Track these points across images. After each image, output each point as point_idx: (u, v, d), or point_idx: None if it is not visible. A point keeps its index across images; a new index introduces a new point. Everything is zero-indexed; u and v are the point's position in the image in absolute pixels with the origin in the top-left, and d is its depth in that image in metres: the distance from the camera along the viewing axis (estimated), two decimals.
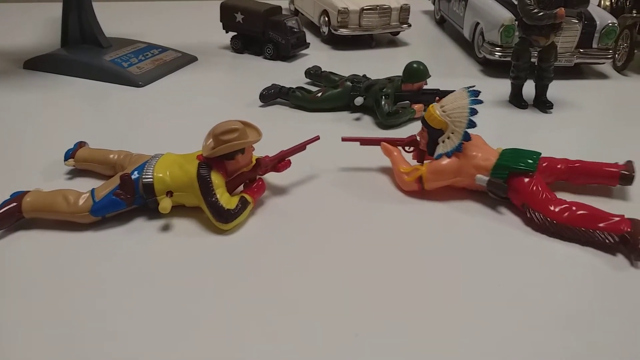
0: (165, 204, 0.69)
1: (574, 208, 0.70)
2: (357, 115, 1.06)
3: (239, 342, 0.54)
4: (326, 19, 1.52)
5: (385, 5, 1.48)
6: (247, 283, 0.62)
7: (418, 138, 0.83)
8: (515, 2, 1.27)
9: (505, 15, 1.24)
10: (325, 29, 1.54)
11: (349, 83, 1.06)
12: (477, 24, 1.36)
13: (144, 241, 0.69)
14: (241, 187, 0.76)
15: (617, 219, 0.68)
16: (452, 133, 0.76)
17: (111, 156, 0.80)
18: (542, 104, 1.10)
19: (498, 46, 1.26)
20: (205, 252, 0.67)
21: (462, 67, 1.38)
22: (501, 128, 1.05)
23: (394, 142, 0.84)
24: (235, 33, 1.46)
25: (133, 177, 0.70)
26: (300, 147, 0.80)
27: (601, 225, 0.68)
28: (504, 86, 1.19)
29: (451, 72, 1.33)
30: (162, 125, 1.02)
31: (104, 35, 1.35)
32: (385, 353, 0.53)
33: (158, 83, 1.24)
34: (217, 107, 1.11)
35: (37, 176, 0.82)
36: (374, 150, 0.85)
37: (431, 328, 0.56)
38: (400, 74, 1.06)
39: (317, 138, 0.82)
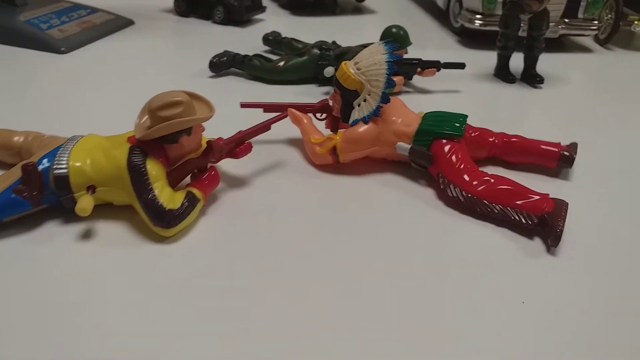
0: (84, 203, 0.51)
1: (492, 181, 0.60)
2: (326, 88, 0.91)
3: None
4: None
5: None
6: (200, 306, 0.46)
7: (331, 103, 0.71)
8: None
9: None
10: None
11: (316, 50, 0.91)
12: None
13: (58, 254, 0.51)
14: (188, 179, 0.59)
15: (539, 197, 0.58)
16: (369, 95, 0.65)
17: (15, 138, 0.62)
18: (532, 77, 0.98)
19: (479, 14, 1.13)
20: (140, 267, 0.50)
21: (436, 37, 1.25)
22: (486, 104, 0.93)
23: (304, 109, 0.72)
24: None
25: (41, 167, 0.53)
26: (264, 127, 0.65)
27: (519, 202, 0.58)
28: (485, 58, 1.07)
29: (425, 43, 1.19)
30: (87, 101, 0.83)
31: None
32: None
33: (85, 49, 1.05)
34: (157, 78, 0.93)
35: None
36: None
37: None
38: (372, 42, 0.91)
39: (284, 115, 0.67)
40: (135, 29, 1.17)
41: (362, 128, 0.65)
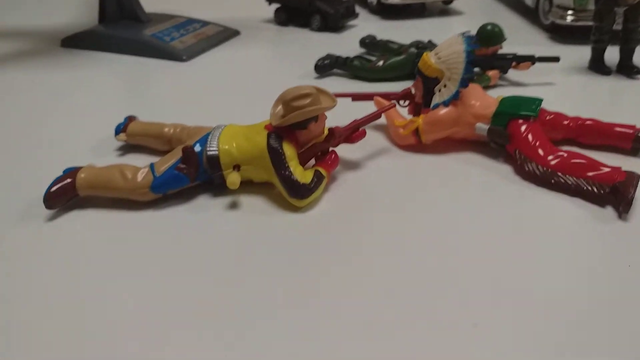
0: (233, 178, 0.61)
1: (565, 155, 0.65)
2: None
3: (324, 332, 0.47)
4: None
5: None
6: (329, 265, 0.54)
7: (413, 90, 0.78)
8: None
9: None
10: None
11: (413, 49, 0.97)
12: None
13: (210, 221, 0.61)
14: (312, 161, 0.68)
15: (610, 169, 0.62)
16: (449, 80, 0.71)
17: (166, 129, 0.73)
18: (629, 69, 0.99)
19: (570, 9, 1.15)
20: (278, 231, 0.60)
21: (526, 34, 1.27)
22: (581, 97, 0.95)
23: (388, 96, 0.80)
24: (279, 5, 1.38)
25: (196, 149, 0.63)
26: (375, 116, 0.72)
27: (591, 174, 0.62)
28: (578, 53, 1.08)
29: (515, 40, 1.21)
30: (213, 100, 0.95)
31: (143, 10, 1.29)
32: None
33: (202, 58, 1.17)
34: (269, 80, 1.03)
35: (88, 153, 0.76)
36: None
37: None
38: None
39: (392, 105, 0.75)
40: (241, 39, 1.30)
41: (443, 111, 0.71)
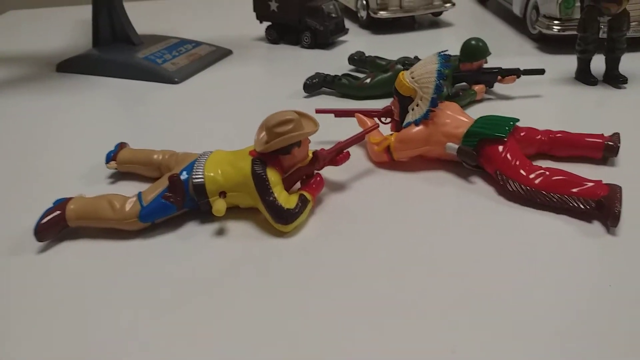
0: (218, 205, 0.62)
1: (547, 173, 0.65)
2: None
3: (308, 356, 0.48)
4: (364, 2, 1.44)
5: None
6: (315, 290, 0.55)
7: (393, 108, 0.79)
8: None
9: None
10: (363, 13, 1.46)
11: (400, 66, 0.99)
12: None
13: (198, 248, 0.63)
14: (298, 185, 0.69)
15: (593, 183, 0.63)
16: (421, 100, 0.72)
17: (155, 156, 0.74)
18: (614, 78, 1.00)
19: (556, 19, 1.16)
20: (265, 256, 0.61)
21: (514, 44, 1.28)
22: (568, 108, 0.96)
23: (369, 113, 0.82)
24: (269, 23, 1.39)
25: (182, 177, 0.65)
26: (359, 138, 0.73)
27: (575, 190, 0.63)
28: (566, 62, 1.09)
29: (503, 51, 1.23)
30: (203, 122, 0.96)
31: (135, 33, 1.31)
32: None
33: (194, 79, 1.19)
34: (259, 100, 1.05)
35: (79, 181, 0.77)
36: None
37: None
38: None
39: (376, 126, 0.76)
40: (234, 58, 1.31)
41: (414, 130, 0.73)
